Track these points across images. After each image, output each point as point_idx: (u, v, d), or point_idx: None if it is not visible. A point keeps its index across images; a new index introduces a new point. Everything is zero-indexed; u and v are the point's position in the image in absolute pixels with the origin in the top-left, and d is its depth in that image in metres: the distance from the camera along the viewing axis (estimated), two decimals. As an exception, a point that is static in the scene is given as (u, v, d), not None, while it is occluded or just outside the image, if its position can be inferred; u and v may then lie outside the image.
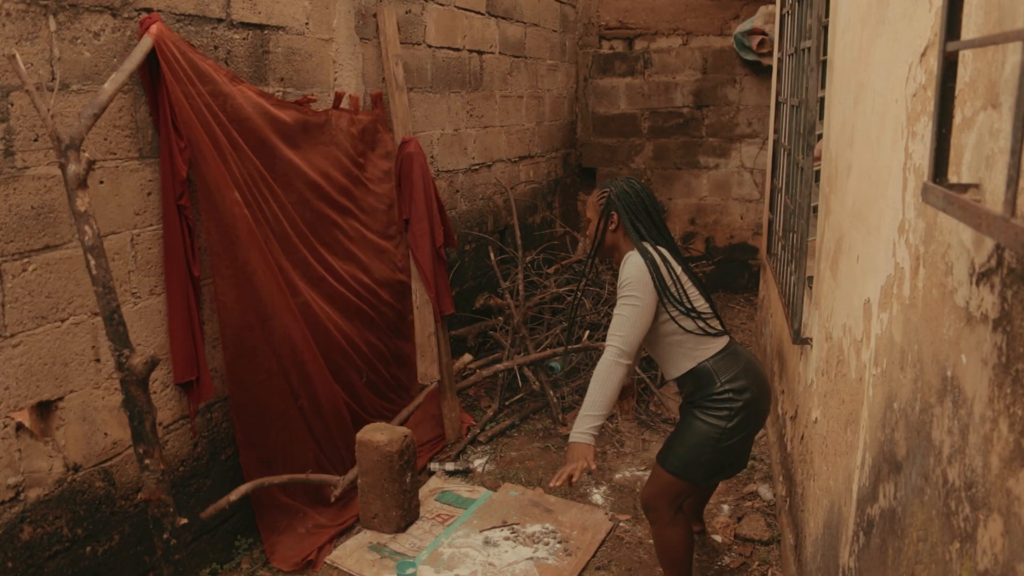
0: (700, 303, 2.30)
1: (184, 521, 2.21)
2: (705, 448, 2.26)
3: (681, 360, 2.30)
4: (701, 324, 2.26)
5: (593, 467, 2.13)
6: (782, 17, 3.99)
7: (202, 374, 2.58)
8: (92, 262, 1.99)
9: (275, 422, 2.85)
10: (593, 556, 2.85)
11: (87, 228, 1.98)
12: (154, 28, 2.28)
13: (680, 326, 2.25)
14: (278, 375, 2.83)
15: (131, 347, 2.07)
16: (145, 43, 2.26)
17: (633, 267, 2.22)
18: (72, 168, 1.97)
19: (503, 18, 5.06)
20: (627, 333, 2.19)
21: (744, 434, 2.27)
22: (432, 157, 4.21)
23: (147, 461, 2.11)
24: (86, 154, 2.05)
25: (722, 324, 2.35)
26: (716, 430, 2.24)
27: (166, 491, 2.15)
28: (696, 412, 2.29)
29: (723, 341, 2.30)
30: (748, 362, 2.30)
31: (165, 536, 2.17)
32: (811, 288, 2.57)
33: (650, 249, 2.26)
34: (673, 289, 2.23)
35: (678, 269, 2.28)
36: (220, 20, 2.66)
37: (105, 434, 2.32)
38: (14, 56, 1.94)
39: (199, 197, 2.52)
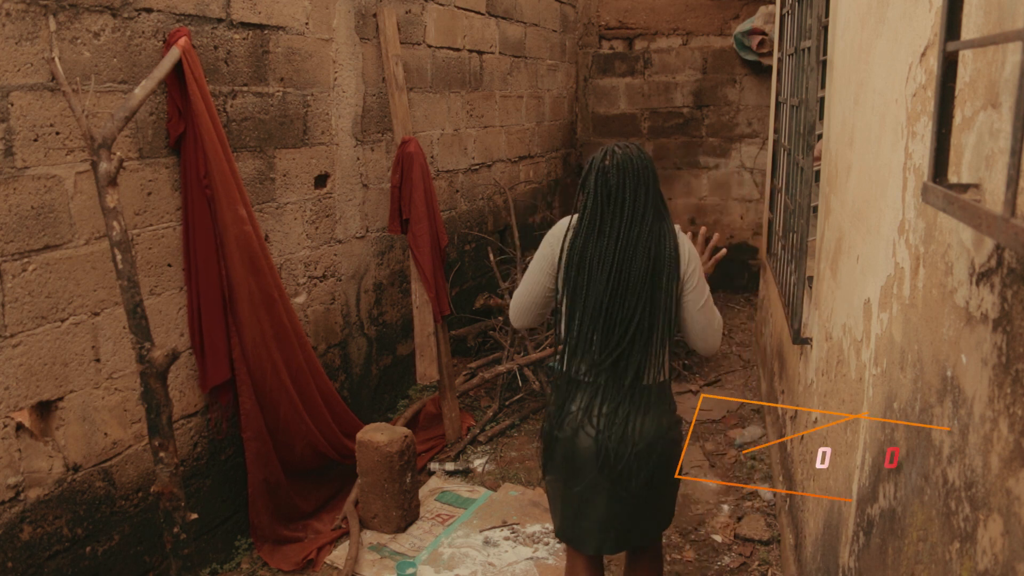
0: (579, 323, 1.86)
1: (194, 516, 2.23)
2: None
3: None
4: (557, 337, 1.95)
5: None
6: (782, 17, 3.99)
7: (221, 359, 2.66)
8: (119, 256, 2.06)
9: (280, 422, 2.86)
10: (593, 556, 2.85)
11: (115, 224, 2.05)
12: (182, 41, 2.40)
13: (558, 310, 1.94)
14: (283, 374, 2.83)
15: (152, 340, 2.12)
16: (174, 54, 2.37)
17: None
18: (103, 166, 2.04)
19: (503, 18, 5.06)
20: (518, 292, 2.00)
21: (551, 478, 1.96)
22: (432, 157, 4.21)
23: (162, 454, 2.13)
24: (118, 154, 2.08)
25: (591, 363, 1.86)
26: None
27: (178, 485, 2.17)
28: None
29: (579, 368, 1.89)
30: (571, 409, 1.88)
31: (176, 530, 2.19)
32: (811, 288, 2.57)
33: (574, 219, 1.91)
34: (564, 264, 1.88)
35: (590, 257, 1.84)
36: (220, 20, 2.66)
37: (105, 434, 2.32)
38: (53, 59, 2.04)
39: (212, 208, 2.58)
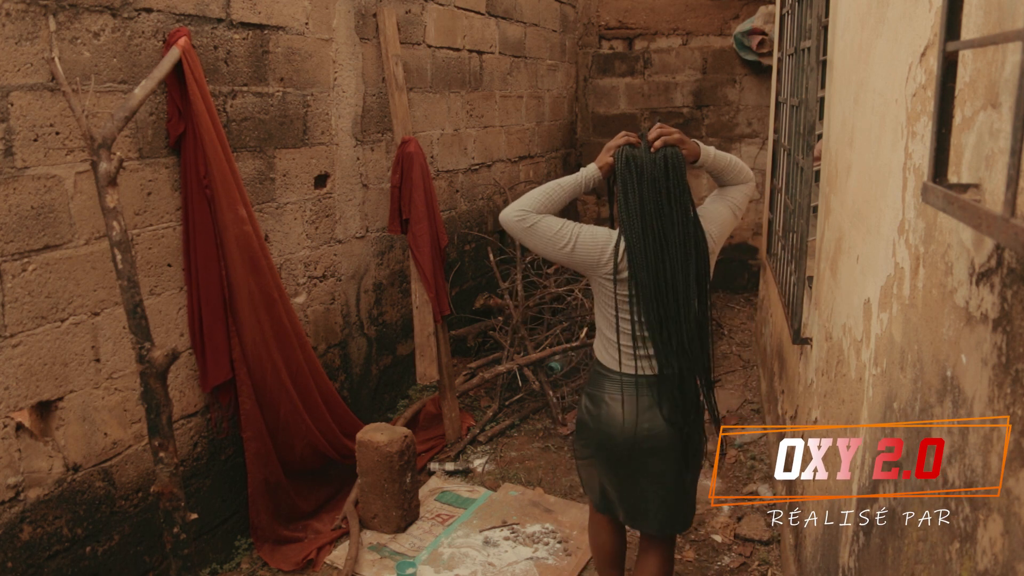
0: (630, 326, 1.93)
1: (194, 516, 2.23)
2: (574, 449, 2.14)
3: (598, 334, 2.06)
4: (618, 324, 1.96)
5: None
6: (782, 17, 3.99)
7: (221, 359, 2.66)
8: (119, 256, 2.06)
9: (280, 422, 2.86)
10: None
11: (115, 224, 2.05)
12: (182, 41, 2.40)
13: (603, 298, 1.99)
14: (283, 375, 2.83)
15: (152, 340, 2.12)
16: (174, 54, 2.37)
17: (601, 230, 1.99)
18: (103, 166, 2.05)
19: (503, 18, 5.06)
20: (529, 204, 1.96)
21: (586, 454, 2.08)
22: (432, 157, 4.21)
23: (162, 454, 2.14)
24: (118, 154, 2.08)
25: (646, 363, 1.94)
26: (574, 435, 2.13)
27: (178, 485, 2.17)
28: None
29: (628, 367, 1.96)
30: (615, 402, 1.97)
31: (175, 530, 2.19)
32: (811, 288, 2.57)
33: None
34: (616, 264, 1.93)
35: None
36: (220, 20, 2.65)
37: (105, 434, 2.32)
38: (53, 59, 2.04)
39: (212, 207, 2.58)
